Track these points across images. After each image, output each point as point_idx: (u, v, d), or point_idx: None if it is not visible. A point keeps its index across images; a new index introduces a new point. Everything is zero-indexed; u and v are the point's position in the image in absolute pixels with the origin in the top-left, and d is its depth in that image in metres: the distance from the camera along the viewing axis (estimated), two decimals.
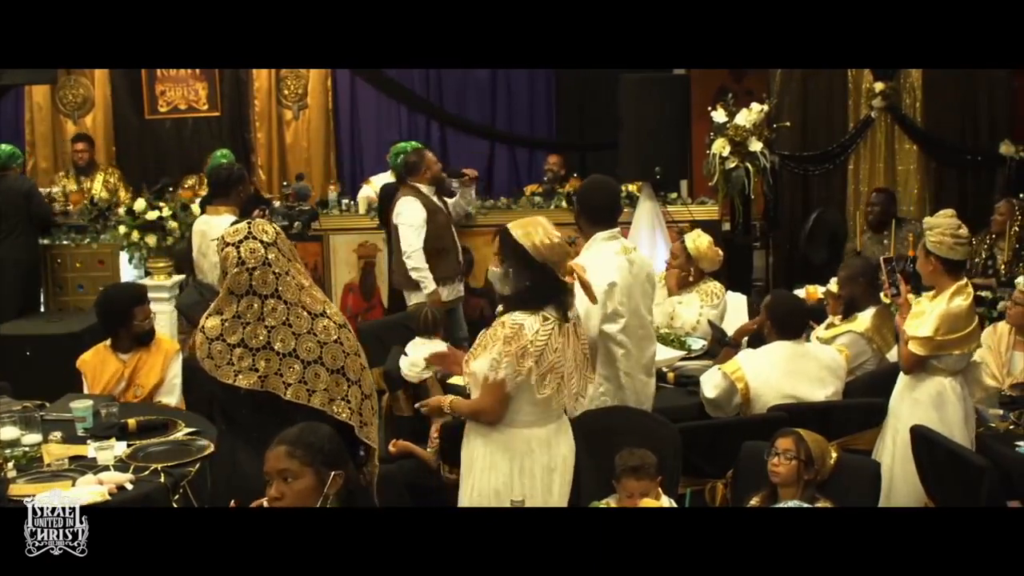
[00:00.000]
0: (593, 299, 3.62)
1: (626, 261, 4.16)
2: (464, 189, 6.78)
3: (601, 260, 4.10)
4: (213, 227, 5.61)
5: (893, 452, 4.28)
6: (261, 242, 3.31)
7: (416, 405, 3.91)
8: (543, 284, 3.43)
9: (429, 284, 6.21)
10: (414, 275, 6.22)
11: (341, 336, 3.35)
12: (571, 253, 3.52)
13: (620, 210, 4.44)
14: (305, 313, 3.32)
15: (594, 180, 4.48)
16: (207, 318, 3.37)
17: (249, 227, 3.37)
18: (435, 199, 6.44)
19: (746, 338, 5.02)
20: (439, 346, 5.13)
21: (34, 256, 7.25)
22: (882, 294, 4.44)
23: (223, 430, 3.50)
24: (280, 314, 3.29)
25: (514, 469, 3.46)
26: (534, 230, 3.44)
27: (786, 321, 4.60)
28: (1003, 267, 6.52)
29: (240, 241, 3.32)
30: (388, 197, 6.96)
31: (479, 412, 3.50)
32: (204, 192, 7.86)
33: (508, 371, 3.36)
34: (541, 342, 3.36)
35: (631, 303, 4.16)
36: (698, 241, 5.58)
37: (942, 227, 4.20)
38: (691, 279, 5.57)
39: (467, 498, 3.57)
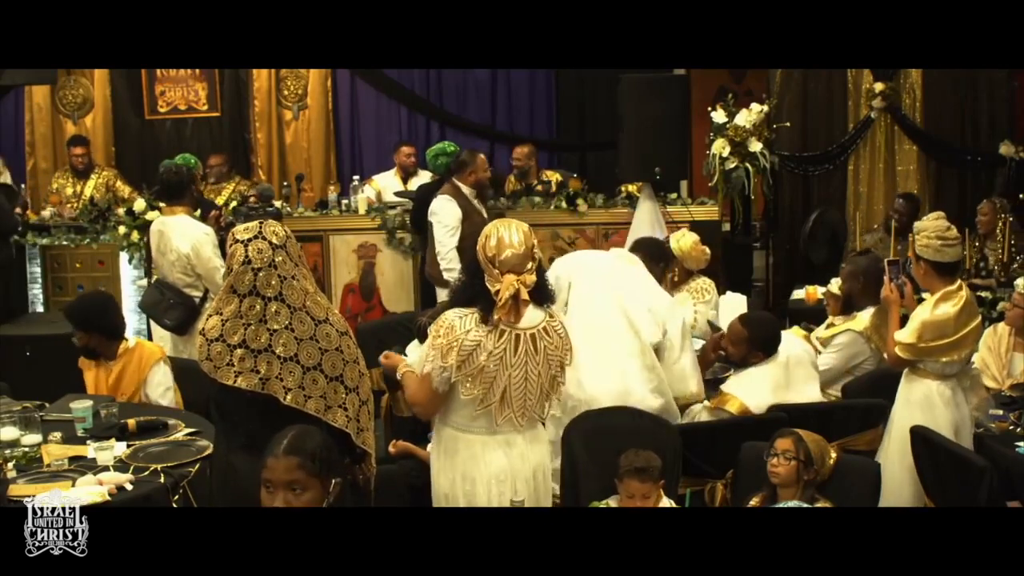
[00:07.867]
0: None
1: None
2: None
3: None
4: (170, 227, 5.78)
5: (887, 449, 4.28)
6: (270, 243, 3.27)
7: (384, 353, 3.81)
8: (472, 283, 3.39)
9: None
10: (447, 275, 6.22)
11: (342, 344, 3.33)
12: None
13: None
14: (308, 318, 3.28)
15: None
16: (207, 319, 3.34)
17: (260, 227, 3.33)
18: (475, 202, 6.44)
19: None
20: None
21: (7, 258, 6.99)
22: (883, 291, 4.43)
23: (219, 431, 3.49)
24: (283, 318, 3.25)
25: (456, 475, 3.41)
26: (489, 229, 3.39)
27: (770, 341, 4.49)
28: (996, 267, 6.53)
29: (249, 240, 3.28)
30: (424, 197, 6.92)
31: (413, 403, 3.59)
32: (204, 192, 7.88)
33: (432, 365, 3.34)
34: (471, 342, 3.30)
35: None
36: (682, 241, 5.60)
37: (929, 230, 4.19)
38: (676, 279, 5.57)
39: (433, 495, 3.56)
